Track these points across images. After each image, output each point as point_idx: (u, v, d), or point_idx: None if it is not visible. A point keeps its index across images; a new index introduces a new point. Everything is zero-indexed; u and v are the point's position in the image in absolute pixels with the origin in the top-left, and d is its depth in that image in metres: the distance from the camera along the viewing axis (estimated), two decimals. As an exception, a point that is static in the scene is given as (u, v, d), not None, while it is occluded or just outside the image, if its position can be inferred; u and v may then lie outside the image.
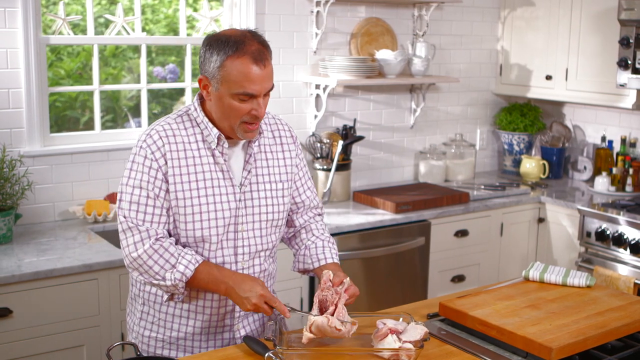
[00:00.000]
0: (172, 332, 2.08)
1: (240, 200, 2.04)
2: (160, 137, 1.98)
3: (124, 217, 1.96)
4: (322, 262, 2.15)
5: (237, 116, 1.95)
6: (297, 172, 2.21)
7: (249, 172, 2.06)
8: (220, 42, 1.93)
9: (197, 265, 1.94)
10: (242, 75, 1.91)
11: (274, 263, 2.20)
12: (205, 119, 2.01)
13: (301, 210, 2.24)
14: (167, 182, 1.97)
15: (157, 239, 1.94)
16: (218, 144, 2.01)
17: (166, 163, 1.97)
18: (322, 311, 1.96)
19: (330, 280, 1.99)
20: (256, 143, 2.07)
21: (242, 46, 1.91)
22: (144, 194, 1.95)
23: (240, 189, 2.04)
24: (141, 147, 1.98)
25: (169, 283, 1.93)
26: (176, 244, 2.02)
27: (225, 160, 2.02)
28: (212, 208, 2.00)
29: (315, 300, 1.98)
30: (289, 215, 2.23)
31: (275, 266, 2.21)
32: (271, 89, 1.98)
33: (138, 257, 1.94)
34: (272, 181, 2.10)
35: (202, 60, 1.97)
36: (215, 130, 2.00)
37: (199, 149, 2.01)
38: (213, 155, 2.02)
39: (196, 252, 2.02)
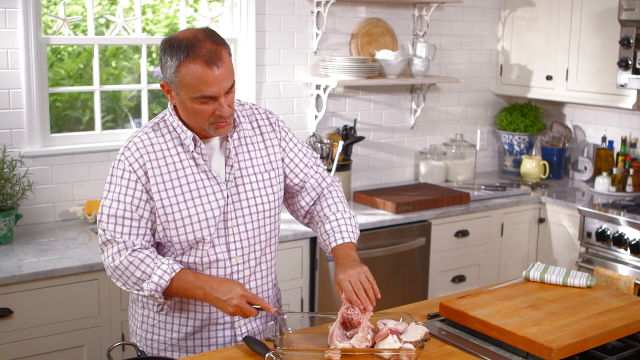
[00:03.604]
0: (172, 333, 2.08)
1: (227, 196, 2.03)
2: (138, 149, 1.97)
3: (103, 230, 1.97)
4: (331, 247, 2.11)
5: (202, 118, 1.94)
6: (288, 154, 2.17)
7: (232, 167, 2.05)
8: (172, 47, 1.90)
9: (172, 274, 1.94)
10: (197, 79, 1.87)
11: (274, 258, 2.19)
12: (180, 123, 2.00)
13: (311, 192, 2.21)
14: (147, 192, 1.97)
15: (133, 250, 1.95)
16: (196, 146, 2.00)
17: (146, 174, 1.96)
18: (345, 327, 1.95)
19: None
20: (235, 136, 2.06)
21: (193, 49, 1.87)
22: (121, 207, 1.96)
23: (226, 186, 2.04)
24: (120, 160, 1.98)
25: (146, 293, 1.95)
26: (169, 249, 2.03)
27: (205, 161, 2.01)
28: (200, 210, 1.99)
29: (340, 316, 1.95)
30: (301, 198, 2.21)
31: (275, 260, 2.20)
32: (233, 85, 1.94)
33: (116, 267, 1.96)
34: (257, 172, 2.09)
35: (161, 66, 1.95)
36: (189, 133, 1.98)
37: (178, 154, 2.00)
38: (193, 158, 2.01)
39: (189, 253, 2.02)
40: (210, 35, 1.92)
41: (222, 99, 1.91)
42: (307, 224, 2.27)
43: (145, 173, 1.96)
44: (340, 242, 2.09)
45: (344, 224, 2.13)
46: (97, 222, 2.00)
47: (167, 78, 1.93)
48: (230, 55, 1.95)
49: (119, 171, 1.97)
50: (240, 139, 2.08)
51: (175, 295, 1.99)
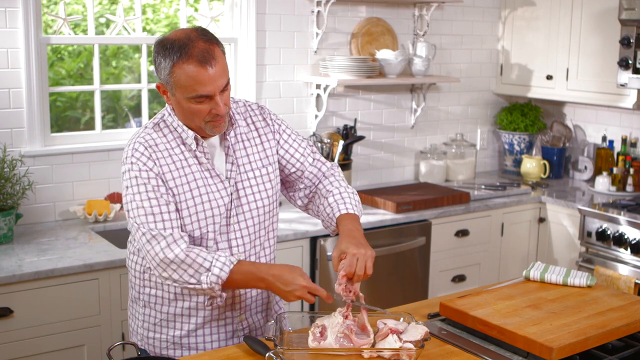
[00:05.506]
0: (175, 331, 2.08)
1: (231, 193, 2.04)
2: (146, 148, 1.97)
3: (144, 230, 1.94)
4: (334, 221, 2.10)
5: (199, 117, 1.94)
6: (283, 145, 2.17)
7: (232, 164, 2.06)
8: (165, 48, 1.90)
9: (231, 266, 1.92)
10: (192, 79, 1.88)
11: (273, 252, 2.20)
12: (180, 123, 2.00)
13: (312, 179, 2.21)
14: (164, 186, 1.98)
15: (187, 246, 1.94)
16: (197, 144, 2.00)
17: (160, 169, 1.97)
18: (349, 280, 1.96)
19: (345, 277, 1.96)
20: (232, 134, 2.07)
21: (186, 50, 1.87)
22: (154, 203, 1.94)
23: (229, 183, 2.04)
24: (132, 162, 1.97)
25: (205, 286, 1.92)
26: None
27: (208, 159, 2.02)
28: (207, 207, 2.00)
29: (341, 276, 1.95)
30: (301, 186, 2.21)
31: (274, 254, 2.20)
32: (228, 82, 1.94)
33: (171, 261, 1.92)
34: (255, 168, 2.10)
35: (156, 67, 1.95)
36: (190, 132, 1.99)
37: (182, 152, 2.00)
38: (196, 157, 2.01)
39: None
40: (202, 35, 1.92)
41: (217, 97, 1.92)
42: (305, 207, 2.26)
43: (159, 168, 1.97)
44: (344, 212, 2.10)
45: (347, 197, 2.14)
46: (134, 225, 1.96)
47: (162, 79, 1.94)
48: (224, 53, 1.95)
49: (135, 172, 1.96)
50: (236, 135, 2.09)
51: (235, 288, 1.98)
